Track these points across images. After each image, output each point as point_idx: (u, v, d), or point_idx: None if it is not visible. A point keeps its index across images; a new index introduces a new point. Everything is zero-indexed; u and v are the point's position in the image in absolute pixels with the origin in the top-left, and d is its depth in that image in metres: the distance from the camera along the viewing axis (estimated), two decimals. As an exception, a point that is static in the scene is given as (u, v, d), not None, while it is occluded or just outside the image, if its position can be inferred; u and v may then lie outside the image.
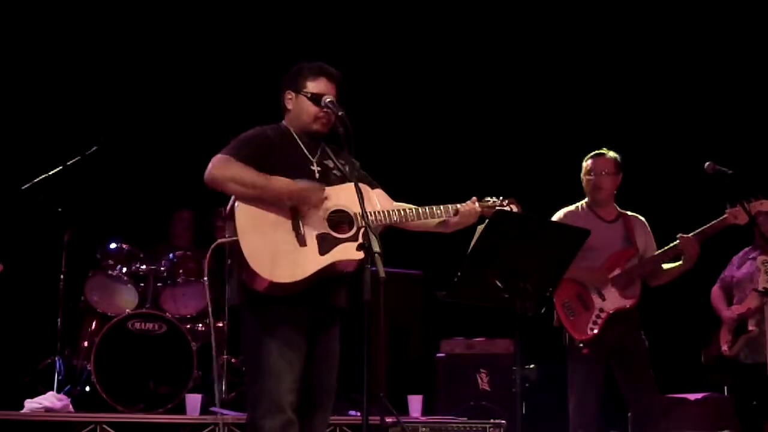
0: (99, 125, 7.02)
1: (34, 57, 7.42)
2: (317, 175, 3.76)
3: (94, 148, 6.49)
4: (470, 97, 8.01)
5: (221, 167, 3.62)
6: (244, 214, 3.59)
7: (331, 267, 3.59)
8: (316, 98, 3.78)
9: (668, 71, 7.79)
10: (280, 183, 3.61)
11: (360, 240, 3.55)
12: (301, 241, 3.58)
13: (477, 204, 3.87)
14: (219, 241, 3.61)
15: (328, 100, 3.73)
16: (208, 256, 3.70)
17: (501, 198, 3.93)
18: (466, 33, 7.99)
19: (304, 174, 3.72)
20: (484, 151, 7.92)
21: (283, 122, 3.90)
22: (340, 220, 3.66)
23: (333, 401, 3.77)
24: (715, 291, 6.15)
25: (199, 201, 7.02)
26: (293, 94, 3.84)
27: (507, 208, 3.88)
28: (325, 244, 3.60)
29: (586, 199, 5.32)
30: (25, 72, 7.39)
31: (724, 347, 5.87)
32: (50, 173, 6.39)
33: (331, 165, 3.83)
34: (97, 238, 6.64)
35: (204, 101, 7.60)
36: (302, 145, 3.81)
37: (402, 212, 3.78)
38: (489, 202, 3.90)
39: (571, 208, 5.30)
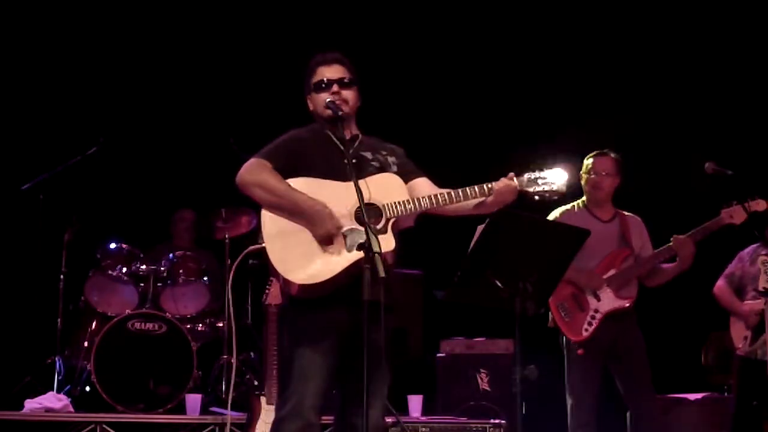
0: (99, 125, 7.03)
1: (35, 57, 7.42)
2: (350, 168, 3.68)
3: (95, 149, 6.50)
4: (468, 98, 8.01)
5: (252, 171, 3.67)
6: (269, 219, 3.63)
7: (361, 262, 3.48)
8: (318, 86, 3.81)
9: (668, 71, 7.79)
10: (301, 197, 3.61)
11: (389, 232, 3.57)
12: (327, 241, 3.58)
13: (515, 180, 3.70)
14: (250, 248, 3.63)
15: (328, 100, 3.74)
16: (238, 260, 3.70)
17: (542, 169, 3.71)
18: (471, 31, 7.99)
19: (337, 168, 3.68)
20: (481, 150, 7.91)
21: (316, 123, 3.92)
22: (367, 213, 3.58)
23: (383, 398, 3.62)
24: (722, 287, 5.93)
25: (200, 201, 7.04)
26: (309, 96, 3.89)
27: (549, 181, 3.68)
28: (352, 240, 3.57)
29: (583, 198, 5.32)
30: (26, 72, 7.39)
31: (740, 344, 5.74)
32: (50, 173, 6.39)
33: (370, 156, 3.79)
34: (97, 238, 6.64)
35: (204, 102, 7.60)
36: (336, 140, 3.78)
37: (433, 198, 3.67)
38: (528, 177, 3.71)
39: (567, 207, 5.31)
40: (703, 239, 5.12)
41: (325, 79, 3.81)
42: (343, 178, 3.67)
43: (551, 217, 5.24)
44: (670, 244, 5.08)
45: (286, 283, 3.60)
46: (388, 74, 7.35)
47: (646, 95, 7.84)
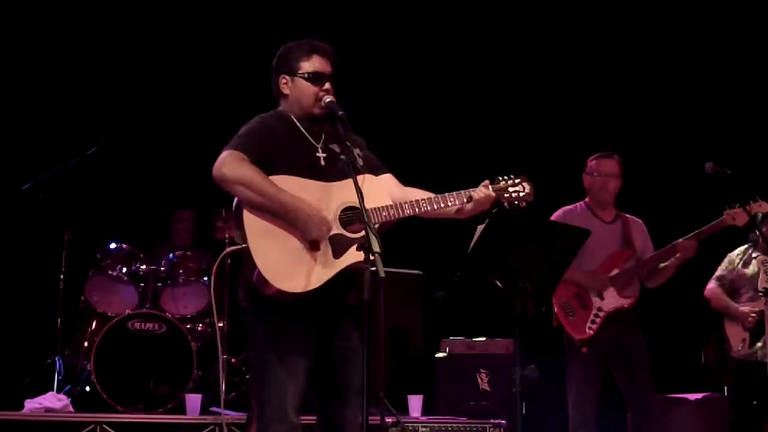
0: (99, 125, 7.02)
1: (34, 57, 7.42)
2: (323, 162, 3.59)
3: (95, 148, 6.50)
4: (471, 99, 8.00)
5: (233, 166, 3.45)
6: (253, 219, 3.45)
7: (347, 269, 3.48)
8: (314, 77, 3.64)
9: (668, 71, 7.79)
10: (289, 198, 3.46)
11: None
12: (314, 246, 3.47)
13: (490, 188, 3.69)
14: (229, 249, 3.55)
15: (328, 100, 3.60)
16: (217, 262, 3.63)
17: (512, 177, 3.73)
18: (472, 30, 7.99)
19: (313, 165, 3.57)
20: (482, 151, 7.91)
21: (281, 108, 3.73)
22: (351, 218, 3.53)
23: (361, 400, 3.46)
24: (714, 289, 5.92)
25: (200, 201, 7.03)
26: (288, 77, 3.68)
27: (519, 188, 3.70)
28: (339, 247, 3.48)
29: (586, 199, 5.32)
30: (25, 72, 7.39)
31: (739, 346, 5.73)
32: (50, 173, 6.39)
33: (338, 150, 3.62)
34: (97, 238, 6.64)
35: (204, 101, 7.60)
36: (305, 132, 3.64)
37: (415, 204, 3.62)
38: (501, 184, 3.71)
39: (570, 207, 5.31)
40: (705, 240, 5.12)
41: (318, 71, 3.64)
42: (319, 176, 3.55)
43: (553, 217, 5.24)
44: (672, 244, 5.08)
45: (262, 283, 3.43)
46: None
47: (645, 95, 7.84)
